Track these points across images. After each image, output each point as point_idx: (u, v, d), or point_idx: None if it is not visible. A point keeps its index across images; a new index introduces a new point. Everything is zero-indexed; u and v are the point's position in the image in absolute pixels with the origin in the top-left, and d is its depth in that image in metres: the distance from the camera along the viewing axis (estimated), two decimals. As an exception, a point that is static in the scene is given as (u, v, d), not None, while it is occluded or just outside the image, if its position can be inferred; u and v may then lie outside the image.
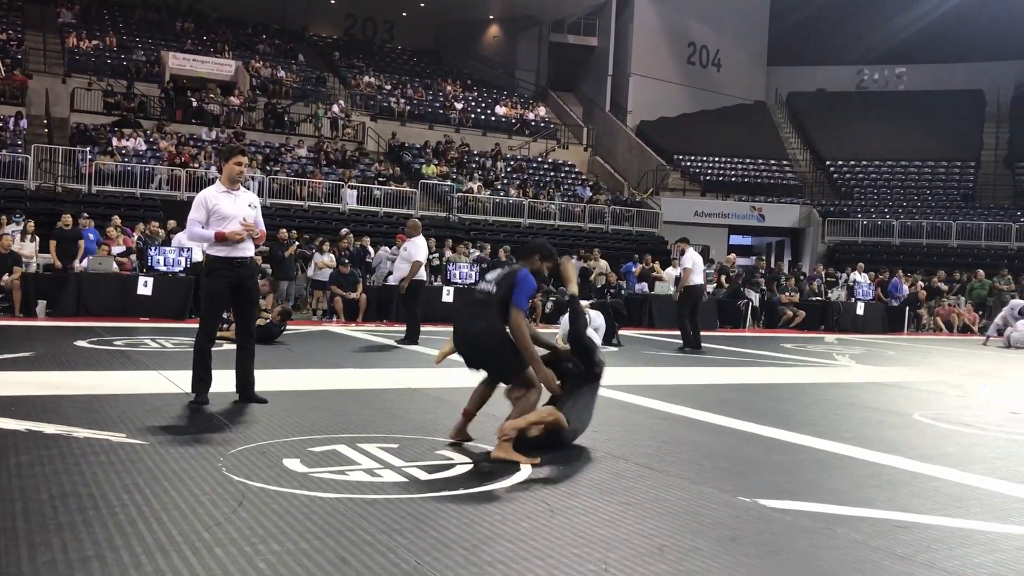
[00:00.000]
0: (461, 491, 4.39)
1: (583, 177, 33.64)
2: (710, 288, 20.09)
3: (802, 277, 23.83)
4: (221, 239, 6.53)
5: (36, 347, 9.67)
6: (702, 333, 13.67)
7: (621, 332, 14.29)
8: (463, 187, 28.16)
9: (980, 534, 4.05)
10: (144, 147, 25.37)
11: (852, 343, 16.86)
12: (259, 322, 10.17)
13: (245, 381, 6.74)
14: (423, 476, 4.65)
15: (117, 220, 17.07)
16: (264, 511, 3.89)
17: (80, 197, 22.18)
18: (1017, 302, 18.92)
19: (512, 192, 29.12)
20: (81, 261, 14.85)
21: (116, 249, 15.54)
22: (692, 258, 13.67)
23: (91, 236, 15.78)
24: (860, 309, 21.14)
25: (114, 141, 24.93)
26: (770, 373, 11.07)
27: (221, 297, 6.74)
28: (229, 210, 6.59)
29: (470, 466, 4.93)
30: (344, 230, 19.45)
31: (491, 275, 5.60)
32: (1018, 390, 10.51)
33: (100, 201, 21.87)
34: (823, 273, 23.82)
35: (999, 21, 37.39)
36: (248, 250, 6.71)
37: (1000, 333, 18.26)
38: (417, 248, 12.33)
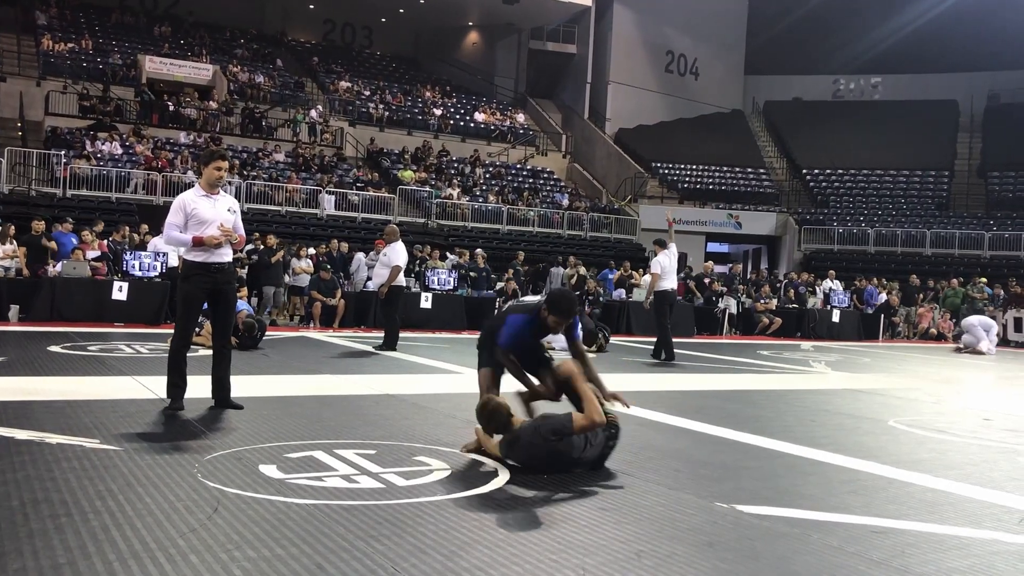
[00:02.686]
0: (439, 497, 4.37)
1: (562, 184, 33.72)
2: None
3: (779, 284, 23.90)
4: (199, 244, 6.48)
5: (8, 352, 9.56)
6: (673, 340, 12.92)
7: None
8: (442, 193, 28.16)
9: (954, 539, 4.09)
10: (120, 151, 25.17)
11: (828, 350, 16.99)
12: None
13: (221, 387, 6.69)
14: (400, 482, 4.63)
15: (99, 229, 16.79)
16: (240, 517, 3.85)
17: (55, 201, 21.97)
18: (981, 319, 19.27)
19: (491, 198, 29.14)
20: (55, 266, 14.69)
21: (91, 253, 15.38)
22: (661, 263, 13.01)
23: (74, 241, 15.59)
24: (836, 316, 21.31)
25: (89, 145, 24.71)
26: (747, 380, 11.12)
27: (197, 303, 6.70)
28: (208, 214, 6.54)
29: (447, 472, 4.92)
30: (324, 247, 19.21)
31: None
32: (991, 397, 10.62)
33: (75, 205, 21.66)
34: (806, 280, 23.91)
35: (973, 33, 37.88)
36: (226, 255, 6.66)
37: (956, 338, 18.93)
38: (396, 253, 12.30)
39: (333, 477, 4.66)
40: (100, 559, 3.23)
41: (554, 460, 4.98)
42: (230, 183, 22.74)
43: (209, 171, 6.66)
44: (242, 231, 6.79)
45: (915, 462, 5.90)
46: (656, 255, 13.26)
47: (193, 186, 6.88)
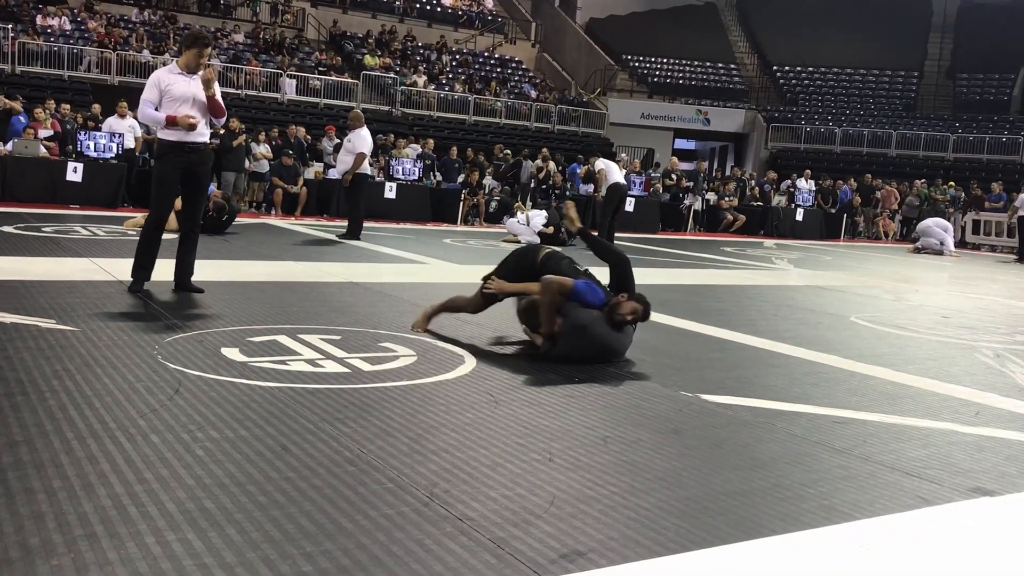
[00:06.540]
0: (405, 382, 4.34)
1: (530, 74, 33.05)
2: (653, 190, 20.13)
3: (745, 184, 23.79)
4: (172, 123, 6.28)
5: (-41, 232, 9.29)
6: (635, 235, 14.15)
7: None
8: (407, 80, 27.47)
9: (914, 429, 4.15)
10: (71, 27, 24.11)
11: (790, 248, 17.12)
12: None
13: (184, 270, 6.57)
14: (366, 367, 4.58)
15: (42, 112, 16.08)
16: (202, 399, 3.79)
17: (3, 77, 21.09)
18: (938, 221, 19.41)
19: (457, 88, 28.51)
20: (6, 144, 14.18)
21: (43, 132, 14.85)
22: (603, 161, 14.97)
23: (23, 119, 15.01)
24: (799, 215, 21.42)
25: (38, 19, 23.62)
26: (710, 275, 11.17)
27: (172, 183, 6.51)
28: (182, 92, 6.32)
29: (414, 358, 4.88)
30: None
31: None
32: (948, 296, 10.79)
33: (25, 83, 20.84)
34: (771, 179, 23.84)
35: (951, -72, 37.07)
36: (201, 136, 6.47)
37: (915, 240, 19.12)
38: (361, 139, 12.00)
39: (297, 361, 4.60)
40: (58, 437, 3.16)
41: (606, 352, 5.14)
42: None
43: (191, 56, 6.43)
44: (221, 104, 6.57)
45: (876, 356, 5.97)
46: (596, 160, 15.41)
47: (168, 64, 6.64)
